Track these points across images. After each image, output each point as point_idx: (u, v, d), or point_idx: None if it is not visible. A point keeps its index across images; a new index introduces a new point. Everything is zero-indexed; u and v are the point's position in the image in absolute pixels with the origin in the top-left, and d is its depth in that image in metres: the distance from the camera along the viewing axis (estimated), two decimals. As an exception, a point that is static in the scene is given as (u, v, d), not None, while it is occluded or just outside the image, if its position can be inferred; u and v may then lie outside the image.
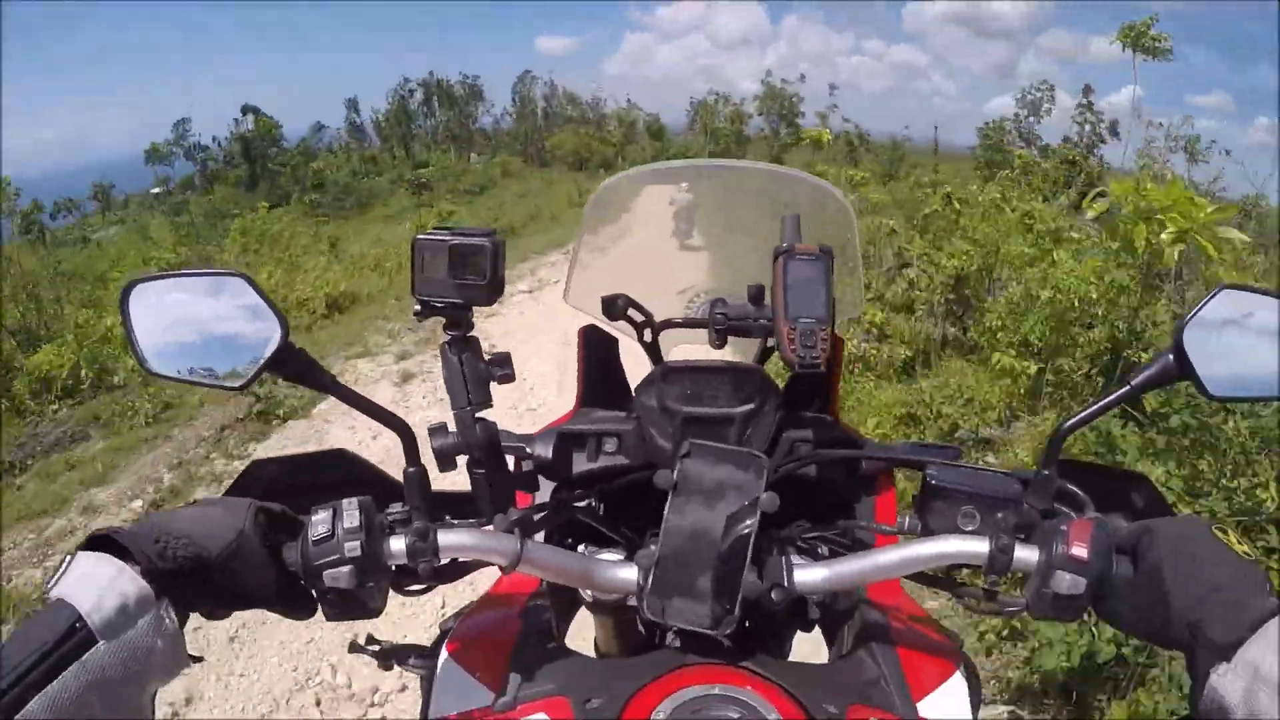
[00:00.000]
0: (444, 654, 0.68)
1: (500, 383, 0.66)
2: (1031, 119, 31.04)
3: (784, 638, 0.78)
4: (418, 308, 0.64)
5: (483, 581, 0.80)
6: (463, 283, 0.62)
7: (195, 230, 21.66)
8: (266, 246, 11.82)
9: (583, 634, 0.80)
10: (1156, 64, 6.24)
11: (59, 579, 0.49)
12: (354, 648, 0.78)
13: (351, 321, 8.32)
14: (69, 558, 0.51)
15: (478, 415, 0.65)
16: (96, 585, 0.49)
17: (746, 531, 0.61)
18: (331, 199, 34.02)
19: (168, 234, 19.93)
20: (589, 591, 0.71)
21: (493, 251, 0.61)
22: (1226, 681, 0.47)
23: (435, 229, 0.63)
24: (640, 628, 0.76)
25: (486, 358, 0.66)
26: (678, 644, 0.68)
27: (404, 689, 2.54)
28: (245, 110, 45.90)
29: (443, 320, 0.64)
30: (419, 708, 0.70)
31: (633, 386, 0.80)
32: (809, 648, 0.79)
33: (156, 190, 48.52)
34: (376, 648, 0.77)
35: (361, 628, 0.74)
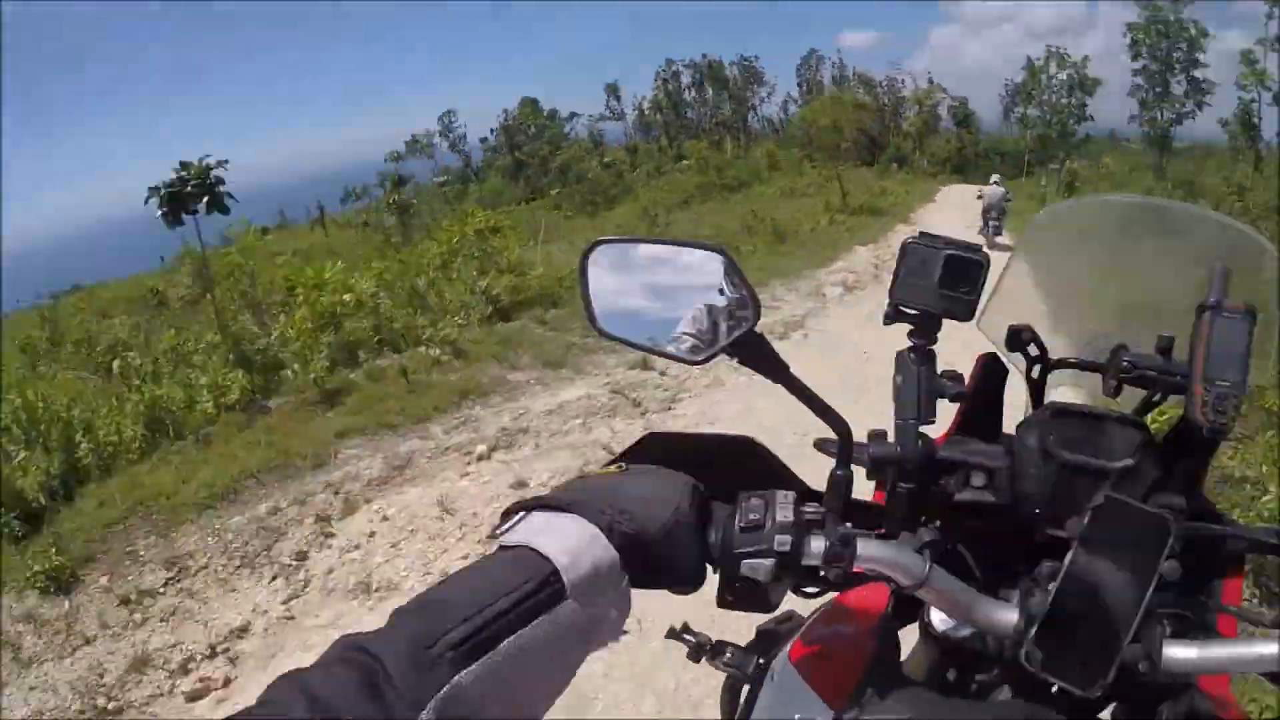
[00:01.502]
0: (785, 660, 0.67)
1: (952, 400, 0.67)
2: None
3: (1105, 705, 0.75)
4: (889, 310, 0.64)
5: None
6: (950, 294, 0.63)
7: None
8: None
9: None
10: None
11: (513, 528, 0.50)
12: (671, 634, 0.79)
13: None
14: (522, 512, 0.52)
15: (920, 430, 0.65)
16: (569, 544, 0.49)
17: (1141, 596, 0.58)
18: (581, 194, 32.49)
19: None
20: (938, 623, 0.72)
21: (983, 269, 0.63)
22: None
23: (922, 234, 0.64)
24: (953, 671, 0.74)
25: (939, 371, 0.66)
26: (1004, 694, 0.67)
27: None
28: (523, 103, 45.61)
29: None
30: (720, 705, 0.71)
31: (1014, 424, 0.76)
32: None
33: (440, 179, 48.68)
34: (694, 639, 0.78)
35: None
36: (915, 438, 0.65)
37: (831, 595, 0.75)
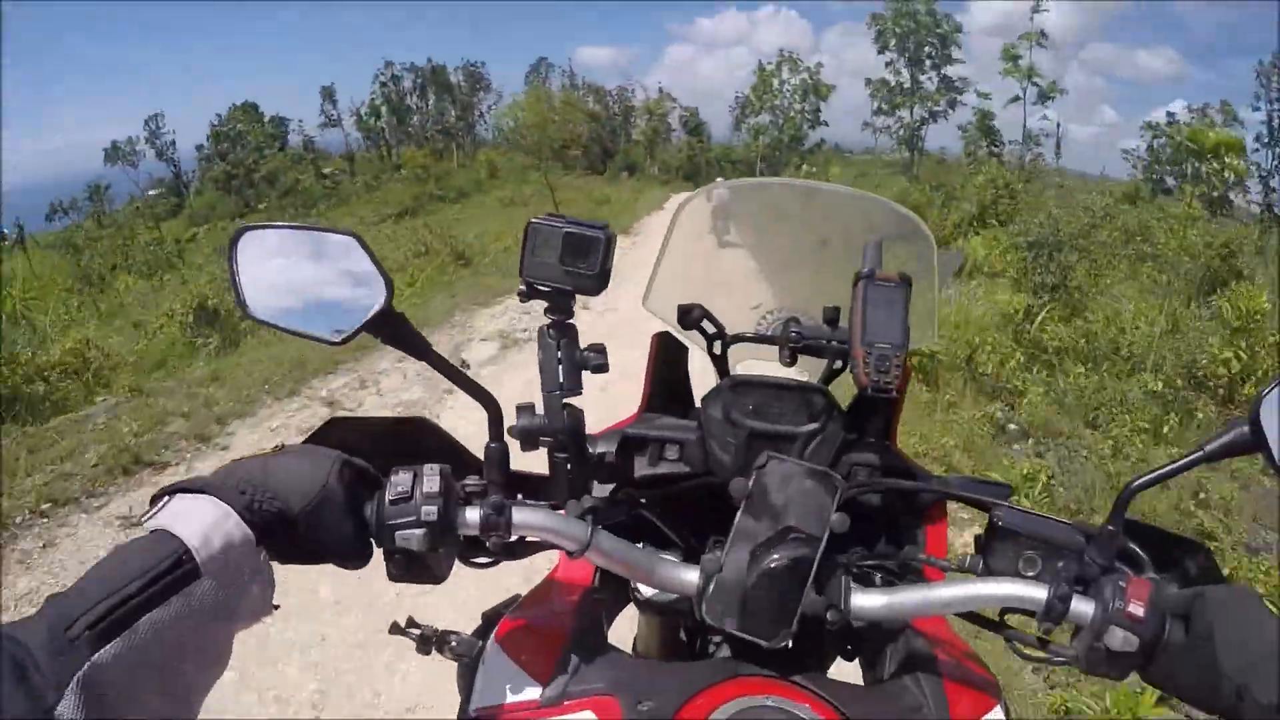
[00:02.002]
0: (492, 642, 0.68)
1: (594, 372, 0.67)
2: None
3: (825, 658, 0.79)
4: (522, 288, 0.66)
5: (527, 576, 0.81)
6: (573, 270, 0.64)
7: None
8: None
9: (621, 636, 0.78)
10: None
11: (156, 514, 0.51)
12: (395, 629, 0.77)
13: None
14: (167, 497, 0.52)
15: (565, 401, 0.66)
16: (202, 524, 0.50)
17: (813, 550, 0.61)
18: (294, 207, 30.66)
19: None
20: (643, 591, 0.75)
21: (605, 243, 0.64)
22: None
23: (550, 215, 0.65)
24: (683, 634, 0.78)
25: (582, 346, 0.67)
26: (724, 653, 0.70)
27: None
28: (238, 108, 39.89)
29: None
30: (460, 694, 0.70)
31: (697, 397, 0.80)
32: (843, 667, 0.79)
33: (153, 193, 44.30)
34: (418, 631, 0.76)
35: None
36: (561, 408, 0.66)
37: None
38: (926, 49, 36.32)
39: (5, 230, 25.98)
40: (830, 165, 33.94)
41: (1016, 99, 33.76)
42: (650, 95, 43.55)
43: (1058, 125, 34.63)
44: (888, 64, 37.22)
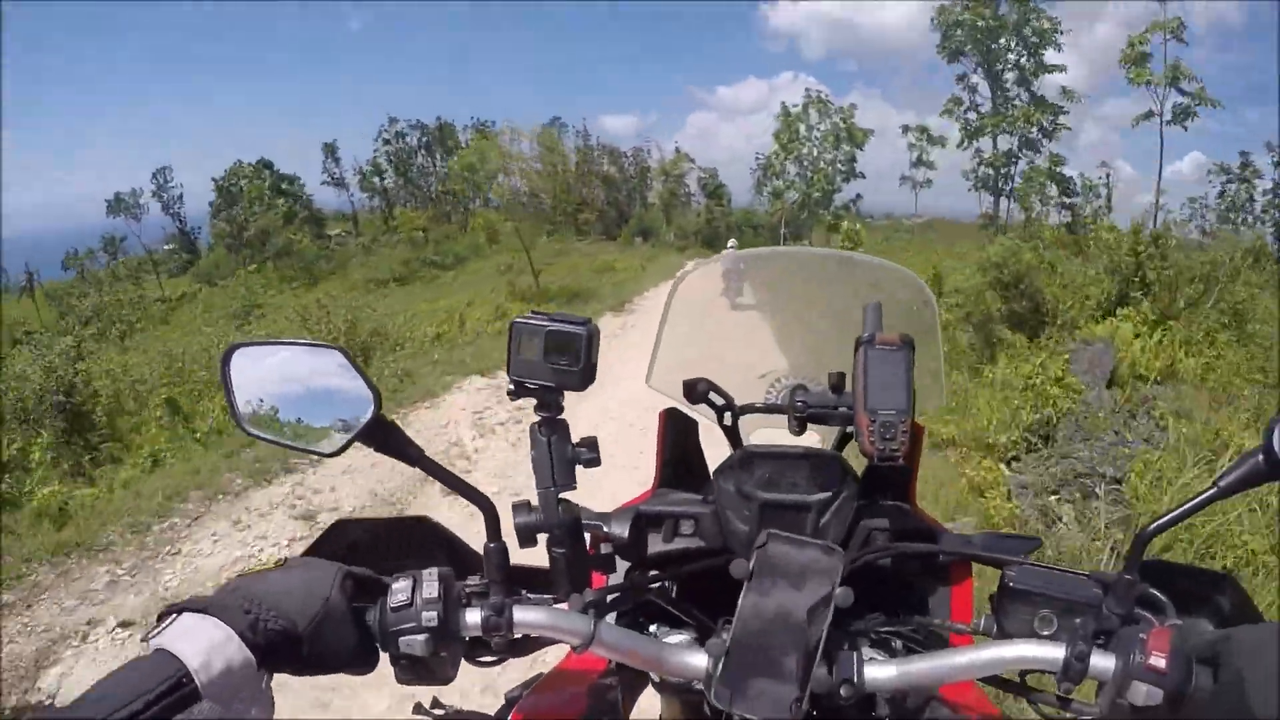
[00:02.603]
0: None
1: (586, 466, 0.68)
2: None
3: None
4: (511, 387, 0.66)
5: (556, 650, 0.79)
6: (556, 367, 0.64)
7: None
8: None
9: (647, 714, 0.78)
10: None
11: (161, 632, 0.52)
12: (418, 709, 0.77)
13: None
14: (173, 615, 0.53)
15: (561, 496, 0.67)
16: (202, 645, 0.50)
17: (819, 625, 0.61)
18: (294, 269, 29.26)
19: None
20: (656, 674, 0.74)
21: (587, 339, 0.64)
22: None
23: (534, 312, 0.66)
24: (707, 710, 0.76)
25: (574, 441, 0.68)
26: None
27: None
28: (243, 165, 38.25)
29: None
30: None
31: (711, 470, 0.80)
32: None
33: (169, 247, 44.00)
34: (441, 712, 0.77)
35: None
36: (556, 503, 0.67)
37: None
38: (1013, 54, 25.79)
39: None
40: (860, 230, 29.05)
41: (1150, 115, 23.80)
42: (667, 156, 40.40)
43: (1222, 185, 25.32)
44: (959, 78, 27.79)
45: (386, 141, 41.34)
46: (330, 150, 41.45)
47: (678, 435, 0.87)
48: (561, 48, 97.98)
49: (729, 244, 13.88)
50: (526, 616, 0.61)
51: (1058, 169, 27.11)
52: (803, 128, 34.05)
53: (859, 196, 34.58)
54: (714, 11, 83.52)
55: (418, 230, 30.88)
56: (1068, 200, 26.46)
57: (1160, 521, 0.61)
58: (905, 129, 33.22)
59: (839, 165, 33.57)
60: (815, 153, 33.93)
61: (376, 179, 41.22)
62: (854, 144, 33.33)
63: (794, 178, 34.29)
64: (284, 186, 37.27)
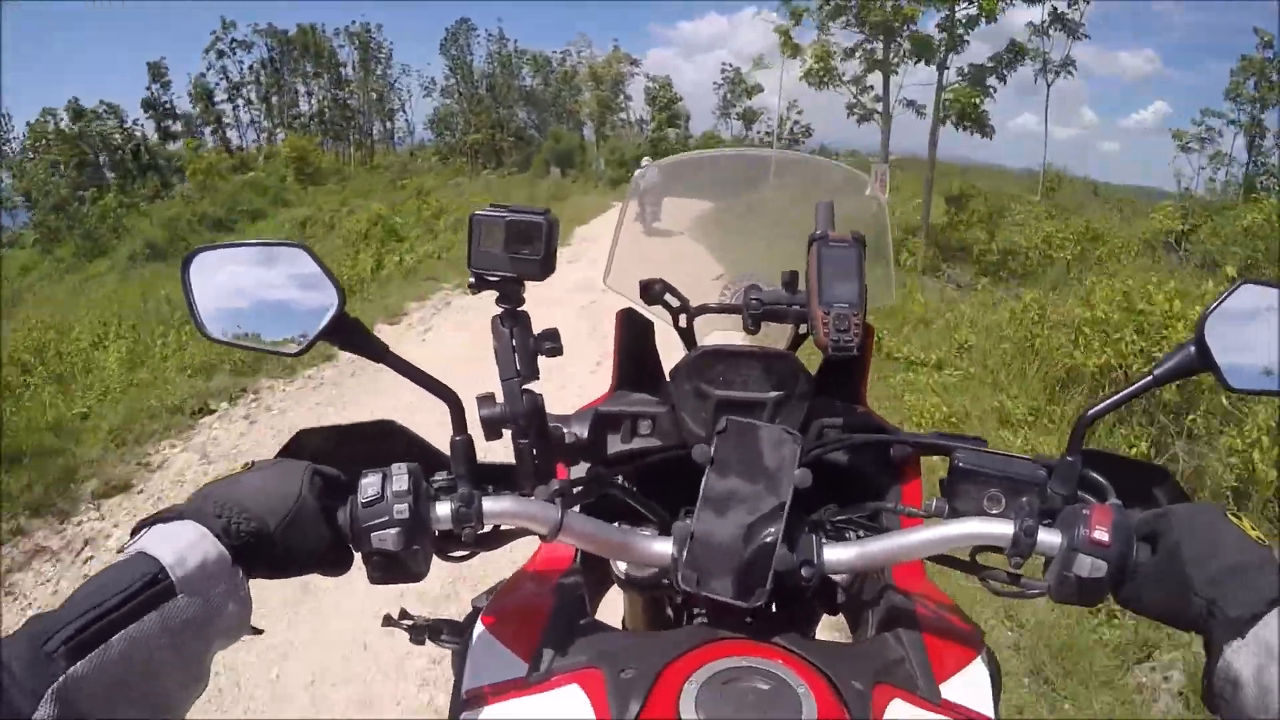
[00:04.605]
0: (479, 627, 0.70)
1: (548, 356, 0.68)
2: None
3: (811, 620, 0.81)
4: (472, 280, 0.66)
5: (517, 559, 0.80)
6: (517, 257, 0.64)
7: None
8: None
9: (613, 614, 0.80)
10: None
11: (136, 541, 0.52)
12: (388, 621, 0.78)
13: None
14: (145, 528, 0.54)
15: (524, 387, 0.67)
16: (178, 545, 0.51)
17: (780, 506, 0.63)
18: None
19: None
20: (622, 568, 0.77)
21: (547, 228, 0.64)
22: (1240, 657, 0.50)
23: (492, 205, 0.65)
24: (669, 607, 0.79)
25: (536, 332, 0.68)
26: (707, 621, 0.70)
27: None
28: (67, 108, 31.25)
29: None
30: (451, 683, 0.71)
31: (667, 371, 0.81)
32: (834, 634, 0.79)
33: None
34: (410, 622, 0.78)
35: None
36: (520, 394, 0.66)
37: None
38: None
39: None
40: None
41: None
42: (596, 55, 31.33)
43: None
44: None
45: (221, 54, 33.52)
46: (156, 72, 32.59)
47: (634, 336, 0.88)
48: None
49: (642, 161, 11.67)
50: (495, 506, 0.61)
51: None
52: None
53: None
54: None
55: (202, 175, 24.38)
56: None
57: (1099, 407, 0.64)
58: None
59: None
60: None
61: (201, 103, 32.54)
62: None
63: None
64: (85, 127, 29.69)
